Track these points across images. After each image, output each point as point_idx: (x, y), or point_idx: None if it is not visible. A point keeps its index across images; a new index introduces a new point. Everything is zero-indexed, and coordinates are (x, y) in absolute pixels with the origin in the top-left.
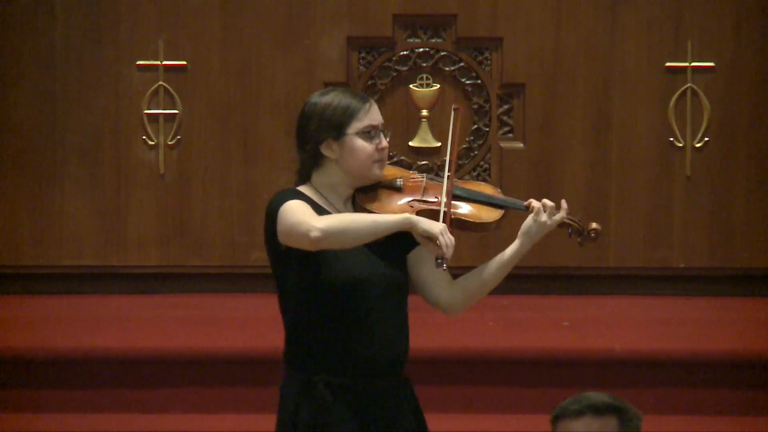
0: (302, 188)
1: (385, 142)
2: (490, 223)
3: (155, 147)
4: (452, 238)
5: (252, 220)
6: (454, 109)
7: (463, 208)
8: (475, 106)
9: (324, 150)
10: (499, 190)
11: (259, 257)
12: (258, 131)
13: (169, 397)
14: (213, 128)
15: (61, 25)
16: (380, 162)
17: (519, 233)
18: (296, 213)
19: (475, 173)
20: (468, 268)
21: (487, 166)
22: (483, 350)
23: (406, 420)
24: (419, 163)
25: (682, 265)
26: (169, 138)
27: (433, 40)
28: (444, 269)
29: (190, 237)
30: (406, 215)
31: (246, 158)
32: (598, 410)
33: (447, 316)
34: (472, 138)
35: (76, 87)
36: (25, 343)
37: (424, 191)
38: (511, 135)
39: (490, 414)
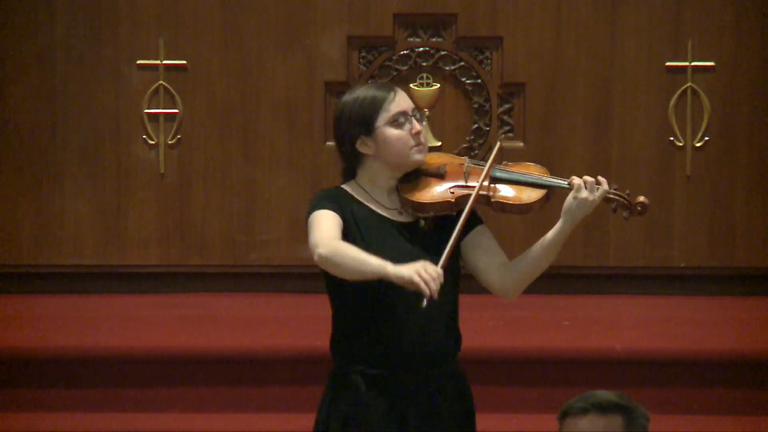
0: (346, 186)
1: (418, 126)
2: (531, 204)
3: (155, 146)
4: (432, 272)
5: (252, 219)
6: (499, 140)
7: (504, 191)
8: (476, 106)
9: (360, 147)
10: (547, 170)
11: (259, 256)
12: (258, 130)
13: (170, 397)
14: (213, 127)
15: (62, 24)
16: (418, 146)
17: (562, 212)
18: (313, 230)
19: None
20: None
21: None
22: (483, 350)
23: (448, 414)
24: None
25: (682, 265)
26: (170, 137)
27: (434, 40)
28: (423, 304)
29: (191, 236)
30: (383, 266)
31: (246, 157)
32: (603, 408)
33: (503, 299)
34: (472, 137)
35: (76, 86)
36: (26, 342)
37: (466, 176)
38: (511, 134)
39: (491, 413)
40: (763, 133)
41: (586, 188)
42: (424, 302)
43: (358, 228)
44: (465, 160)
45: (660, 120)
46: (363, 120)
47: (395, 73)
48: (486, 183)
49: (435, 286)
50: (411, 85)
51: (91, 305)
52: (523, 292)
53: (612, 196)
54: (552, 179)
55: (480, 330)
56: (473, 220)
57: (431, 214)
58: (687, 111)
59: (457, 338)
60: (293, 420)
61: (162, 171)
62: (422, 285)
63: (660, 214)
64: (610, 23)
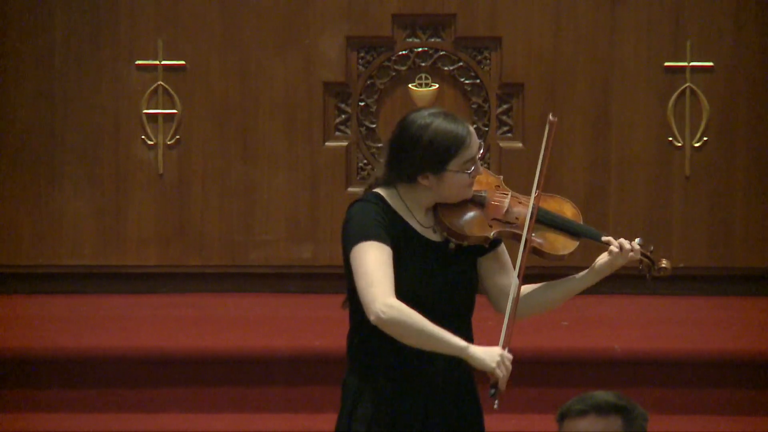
0: (384, 192)
1: (481, 170)
2: (565, 256)
3: (154, 147)
4: (509, 365)
5: (251, 219)
6: (550, 122)
7: (542, 237)
8: (474, 106)
9: (421, 180)
10: (579, 212)
11: (258, 257)
12: (257, 131)
13: (169, 397)
14: (212, 128)
15: (61, 25)
16: (472, 185)
17: (594, 268)
18: (370, 278)
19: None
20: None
21: (486, 165)
22: None
23: (468, 414)
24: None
25: (681, 265)
26: (169, 138)
27: (432, 40)
28: (495, 404)
29: (190, 237)
30: (466, 348)
31: (245, 158)
32: (601, 410)
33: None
34: None
35: (75, 87)
36: (25, 342)
37: (507, 210)
38: (510, 135)
39: (490, 414)
40: (762, 134)
41: (622, 254)
42: (496, 401)
43: (399, 249)
44: (501, 181)
45: (659, 120)
46: (437, 159)
47: (394, 74)
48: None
49: (506, 380)
50: (410, 86)
51: (90, 305)
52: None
53: (643, 258)
54: (587, 229)
55: (479, 330)
56: (494, 246)
57: (465, 243)
58: (686, 111)
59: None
60: (293, 420)
61: (161, 171)
62: (501, 380)
63: (659, 215)
64: (609, 23)
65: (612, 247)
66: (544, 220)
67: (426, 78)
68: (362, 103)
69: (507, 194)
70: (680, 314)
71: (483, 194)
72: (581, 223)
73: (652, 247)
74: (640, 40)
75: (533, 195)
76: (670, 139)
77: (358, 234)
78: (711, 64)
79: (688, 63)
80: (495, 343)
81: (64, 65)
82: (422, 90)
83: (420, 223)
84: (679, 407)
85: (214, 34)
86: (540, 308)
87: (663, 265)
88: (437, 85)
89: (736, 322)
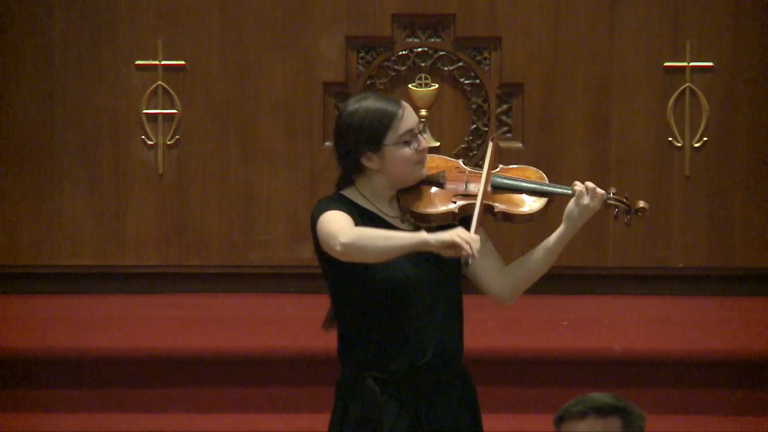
0: (347, 192)
1: (424, 143)
2: (534, 214)
3: (154, 147)
4: (472, 236)
5: (251, 219)
6: (492, 140)
7: (506, 200)
8: (474, 106)
9: (365, 162)
10: (544, 174)
11: (257, 257)
12: (257, 131)
13: (168, 397)
14: (212, 128)
15: (60, 24)
16: (421, 162)
17: (563, 217)
18: (330, 224)
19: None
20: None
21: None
22: (482, 350)
23: (460, 414)
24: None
25: (680, 265)
26: (168, 138)
27: (432, 40)
28: (470, 263)
29: (189, 237)
30: (420, 234)
31: (245, 158)
32: (601, 411)
33: (501, 304)
34: (471, 138)
35: (74, 87)
36: (24, 342)
37: (466, 183)
38: (510, 135)
39: (489, 414)
40: (762, 134)
41: (587, 194)
42: (469, 261)
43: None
44: (460, 163)
45: (658, 120)
46: (372, 137)
47: (393, 74)
48: (488, 191)
49: (476, 246)
50: (409, 86)
51: (90, 306)
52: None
53: (612, 201)
54: (553, 186)
55: (479, 330)
56: (467, 227)
57: (434, 224)
58: (685, 111)
59: (461, 343)
60: (293, 420)
61: (161, 171)
62: (465, 246)
63: (659, 215)
64: (609, 24)
65: (576, 187)
66: (505, 185)
67: (426, 78)
68: None
69: (465, 171)
70: (680, 314)
71: (441, 174)
72: (546, 182)
73: (626, 194)
74: (639, 40)
75: (484, 172)
76: (670, 139)
77: (319, 212)
78: (711, 64)
79: (688, 63)
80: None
81: (64, 65)
82: (422, 90)
83: (386, 214)
84: (678, 407)
85: (213, 34)
86: (529, 273)
87: (641, 206)
88: (437, 86)
89: (736, 322)
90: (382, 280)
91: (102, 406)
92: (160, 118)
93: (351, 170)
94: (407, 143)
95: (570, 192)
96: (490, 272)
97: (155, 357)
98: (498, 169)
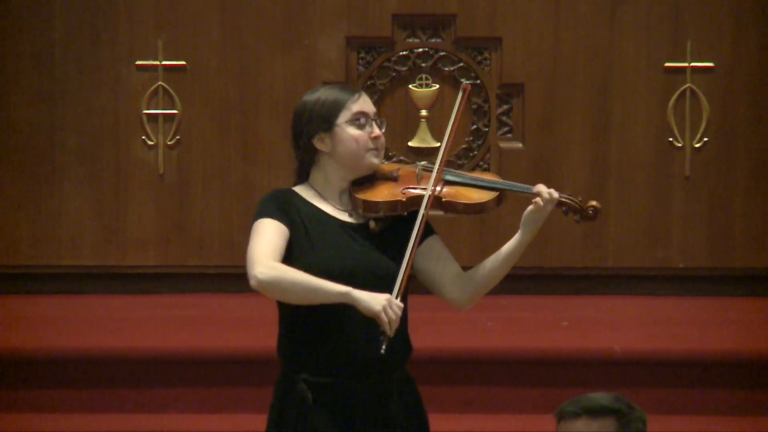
0: (298, 188)
1: (378, 131)
2: (483, 204)
3: (154, 147)
4: (397, 311)
5: (251, 220)
6: (463, 89)
7: (455, 192)
8: (474, 107)
9: (317, 143)
10: (499, 177)
11: None
12: (257, 131)
13: (168, 397)
14: (212, 128)
15: (61, 24)
16: (375, 150)
17: (521, 223)
18: (255, 245)
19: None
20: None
21: (486, 166)
22: (482, 350)
23: (398, 420)
24: (419, 163)
25: (681, 265)
26: (169, 138)
27: (433, 40)
28: (383, 348)
29: (189, 237)
30: (349, 291)
31: (245, 158)
32: (594, 413)
33: (456, 309)
34: (471, 138)
35: (75, 87)
36: (24, 343)
37: (419, 179)
38: (510, 135)
39: (490, 414)
40: (762, 134)
41: (544, 194)
42: (383, 346)
43: (304, 226)
44: (418, 166)
45: (659, 121)
46: (324, 116)
47: (394, 74)
48: (438, 186)
49: (395, 326)
50: (410, 86)
51: (90, 306)
52: (522, 292)
53: (564, 200)
54: (505, 183)
55: (479, 330)
56: (426, 230)
57: (381, 213)
58: (686, 112)
59: (407, 346)
60: None
61: (161, 171)
62: (386, 324)
63: (659, 215)
64: (609, 24)
65: (536, 187)
66: (455, 180)
67: (426, 78)
68: None
69: (419, 170)
70: (680, 315)
71: (396, 170)
72: (499, 180)
73: (579, 198)
74: (640, 40)
75: (440, 157)
76: (671, 139)
77: (254, 217)
78: (711, 64)
79: (689, 63)
80: (493, 344)
81: (64, 65)
82: (422, 90)
83: (336, 207)
84: (679, 408)
85: (214, 34)
86: (486, 280)
87: (592, 204)
88: (437, 86)
89: (736, 323)
90: (318, 272)
91: (102, 406)
92: (160, 119)
93: (304, 157)
94: (360, 125)
95: (523, 189)
96: (446, 277)
97: (155, 357)
98: (454, 169)
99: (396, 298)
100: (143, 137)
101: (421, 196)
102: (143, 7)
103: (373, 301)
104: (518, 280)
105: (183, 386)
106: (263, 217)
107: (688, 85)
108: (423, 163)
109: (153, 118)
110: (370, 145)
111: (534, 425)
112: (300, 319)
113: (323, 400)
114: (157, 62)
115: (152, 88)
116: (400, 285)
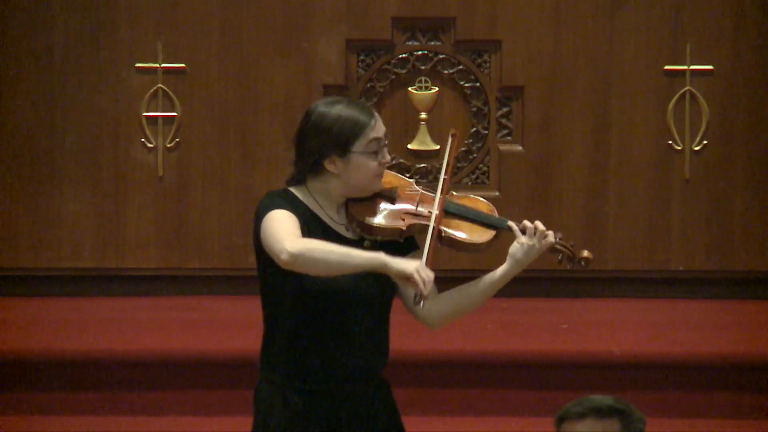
0: (295, 190)
1: (387, 157)
2: (481, 245)
3: (154, 149)
4: (430, 274)
5: (250, 222)
6: (452, 135)
7: (456, 228)
8: (474, 109)
9: (327, 165)
10: (494, 207)
11: None
12: (257, 134)
13: (168, 400)
14: (212, 131)
15: (60, 26)
16: (380, 175)
17: (508, 255)
18: (277, 228)
19: (473, 176)
20: (462, 274)
21: (485, 169)
22: (482, 353)
23: (379, 422)
24: (417, 166)
25: (680, 268)
26: (168, 140)
27: (432, 43)
28: (421, 305)
29: (189, 239)
30: (380, 256)
31: (245, 160)
32: (600, 413)
33: (427, 328)
34: (470, 141)
35: (75, 89)
36: (24, 345)
37: (418, 203)
38: (509, 138)
39: (490, 417)
40: (762, 137)
41: (535, 236)
42: (422, 303)
43: (309, 233)
44: (413, 183)
45: (658, 123)
46: (341, 142)
47: (393, 77)
48: (440, 215)
49: (430, 287)
50: (409, 89)
51: (89, 308)
52: (521, 295)
53: (558, 247)
54: (500, 220)
55: (479, 333)
56: (409, 246)
57: (379, 238)
58: (685, 114)
59: (387, 352)
60: None
61: (160, 174)
62: (421, 285)
63: (658, 218)
64: (609, 26)
65: (526, 225)
66: (456, 212)
67: (426, 81)
68: None
69: (418, 191)
70: (679, 317)
71: (394, 190)
72: (496, 215)
73: (572, 242)
74: (639, 43)
75: (437, 198)
76: (670, 142)
77: (264, 212)
78: (711, 67)
79: (688, 66)
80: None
81: (64, 67)
82: (422, 93)
83: (332, 219)
84: (678, 410)
85: (213, 37)
86: (463, 306)
87: (584, 255)
88: (437, 89)
89: (736, 326)
90: (313, 284)
91: (102, 409)
92: (160, 121)
93: (309, 171)
94: (374, 154)
95: (516, 230)
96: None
97: (155, 359)
98: (449, 194)
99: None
100: (143, 139)
101: (422, 225)
102: (143, 10)
103: (406, 264)
104: (517, 283)
105: (183, 388)
106: (276, 208)
107: (687, 87)
108: (420, 187)
109: (153, 120)
110: (378, 171)
111: (533, 428)
112: (285, 326)
113: (312, 406)
114: (157, 65)
115: (152, 90)
116: (428, 255)
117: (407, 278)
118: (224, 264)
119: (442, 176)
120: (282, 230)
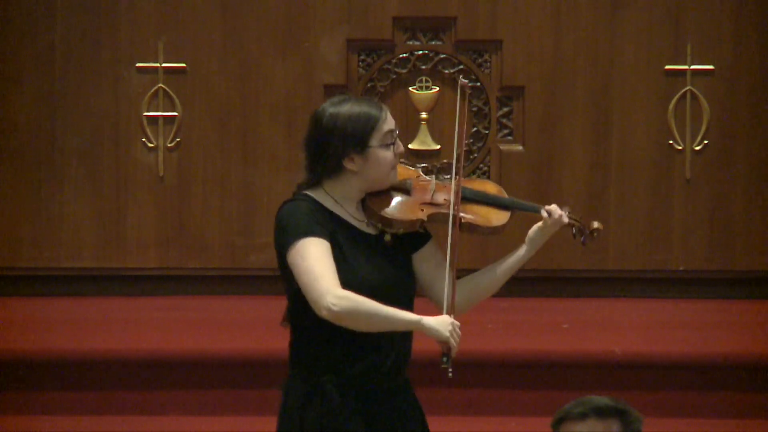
0: (313, 194)
1: (401, 146)
2: (499, 227)
3: (155, 149)
4: (459, 333)
5: (251, 222)
6: (461, 87)
7: (473, 212)
8: (475, 109)
9: (347, 164)
10: (502, 188)
11: (258, 259)
12: (257, 133)
13: (169, 399)
14: (212, 130)
15: (61, 26)
16: (396, 167)
17: (526, 239)
18: (313, 270)
19: (474, 176)
20: (468, 270)
21: (486, 168)
22: (482, 353)
23: (410, 419)
24: (419, 165)
25: (681, 268)
26: (169, 140)
27: (433, 43)
28: (449, 373)
29: (190, 239)
30: (419, 319)
31: (245, 160)
32: (601, 413)
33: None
34: (471, 140)
35: (75, 89)
36: (24, 345)
37: (433, 193)
38: (510, 137)
39: (490, 416)
40: (762, 137)
41: (551, 216)
42: (450, 369)
43: (337, 239)
44: (420, 172)
45: (659, 123)
46: (357, 138)
47: (394, 77)
48: (457, 204)
49: (457, 350)
50: (410, 89)
51: (90, 308)
52: (522, 295)
53: (571, 221)
54: (518, 201)
55: (479, 333)
56: (425, 235)
57: (400, 230)
58: (686, 114)
59: (411, 349)
60: None
61: (161, 174)
62: (454, 348)
63: (659, 218)
64: (610, 26)
65: (546, 208)
66: (471, 197)
67: (426, 81)
68: None
69: (430, 181)
70: (680, 317)
71: (408, 182)
72: (507, 196)
73: (580, 216)
74: (640, 43)
75: (454, 170)
76: (671, 142)
77: (293, 233)
78: (711, 67)
79: (689, 66)
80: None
81: (65, 67)
82: (423, 93)
83: (354, 217)
84: (679, 410)
85: (214, 36)
86: (483, 289)
87: (595, 226)
88: (438, 88)
89: (737, 326)
90: (358, 284)
91: (102, 409)
92: (160, 121)
93: (329, 172)
94: (390, 145)
95: (532, 208)
96: (442, 283)
97: (155, 359)
98: (457, 171)
99: (450, 316)
100: (143, 139)
101: (440, 213)
102: (144, 10)
103: (441, 326)
104: (518, 283)
105: (184, 388)
106: (307, 236)
107: (688, 87)
108: (432, 176)
109: (153, 120)
110: (395, 162)
111: (533, 427)
112: (317, 327)
113: (348, 402)
114: (158, 64)
115: (153, 90)
116: (449, 303)
117: (444, 341)
118: (225, 264)
119: (455, 147)
120: (321, 278)
